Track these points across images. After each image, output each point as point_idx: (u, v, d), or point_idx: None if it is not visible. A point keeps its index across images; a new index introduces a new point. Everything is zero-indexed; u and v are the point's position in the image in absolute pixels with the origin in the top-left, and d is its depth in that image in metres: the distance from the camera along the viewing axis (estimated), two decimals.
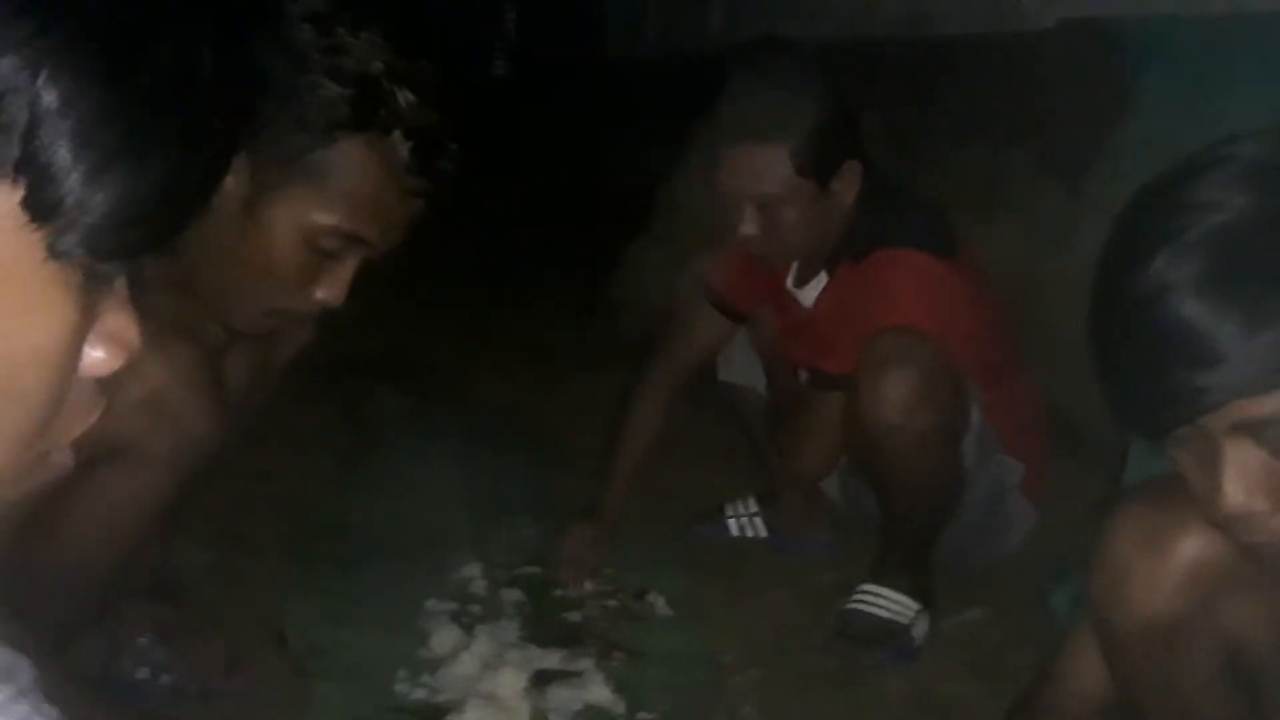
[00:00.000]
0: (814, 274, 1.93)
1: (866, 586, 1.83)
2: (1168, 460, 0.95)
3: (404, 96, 1.18)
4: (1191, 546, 0.95)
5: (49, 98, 0.42)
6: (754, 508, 2.17)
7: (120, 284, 0.50)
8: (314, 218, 1.19)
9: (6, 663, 0.46)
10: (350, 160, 1.17)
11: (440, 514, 2.14)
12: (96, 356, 0.49)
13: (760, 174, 1.78)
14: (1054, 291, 2.29)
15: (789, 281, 1.97)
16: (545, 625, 1.78)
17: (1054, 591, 1.18)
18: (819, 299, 1.94)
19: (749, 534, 2.16)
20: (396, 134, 1.17)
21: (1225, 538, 0.91)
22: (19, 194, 0.42)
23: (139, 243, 0.47)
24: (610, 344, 2.41)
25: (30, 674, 0.47)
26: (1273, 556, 0.88)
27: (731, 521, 2.17)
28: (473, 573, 1.91)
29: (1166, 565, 0.95)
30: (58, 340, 0.46)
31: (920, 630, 1.80)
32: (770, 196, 1.79)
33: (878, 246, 1.82)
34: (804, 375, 1.94)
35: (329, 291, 1.24)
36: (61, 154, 0.42)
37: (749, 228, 1.81)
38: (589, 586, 1.92)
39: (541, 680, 1.61)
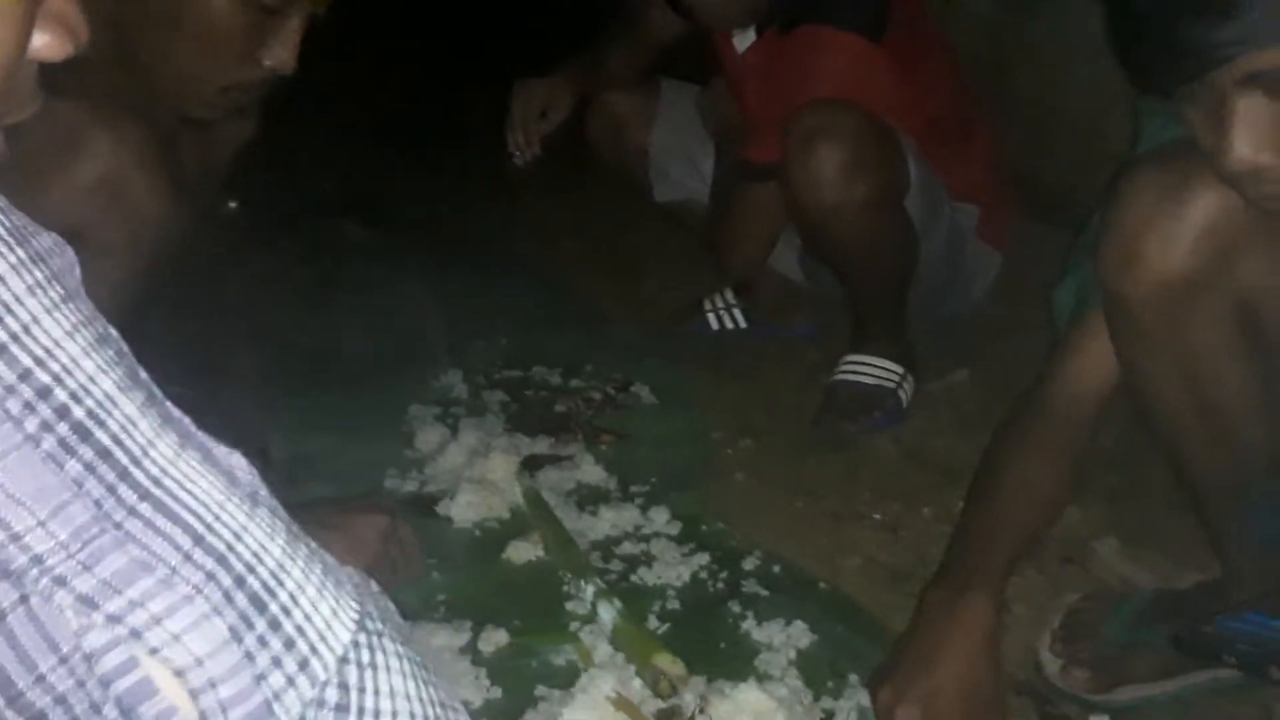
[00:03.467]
0: (746, 28, 1.90)
1: (849, 357, 1.81)
2: (1179, 131, 0.92)
3: None
4: (1207, 203, 0.92)
5: None
6: (731, 299, 2.14)
7: None
8: None
9: None
10: None
11: (415, 333, 2.10)
12: (44, 40, 0.49)
13: None
14: (1025, 57, 2.24)
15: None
16: (530, 418, 1.76)
17: (1057, 289, 1.15)
18: (746, 56, 1.91)
19: (729, 325, 2.14)
20: None
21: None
22: None
23: None
24: (570, 168, 2.33)
25: None
26: None
27: (710, 315, 2.14)
28: (453, 380, 1.89)
29: (1182, 222, 0.92)
30: (11, 15, 0.46)
31: (906, 393, 1.80)
32: None
33: (804, 19, 1.76)
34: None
35: (278, 55, 1.19)
36: None
37: None
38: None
39: (532, 464, 1.59)
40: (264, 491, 0.50)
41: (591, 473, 1.59)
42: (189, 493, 0.46)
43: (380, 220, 2.72)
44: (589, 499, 1.53)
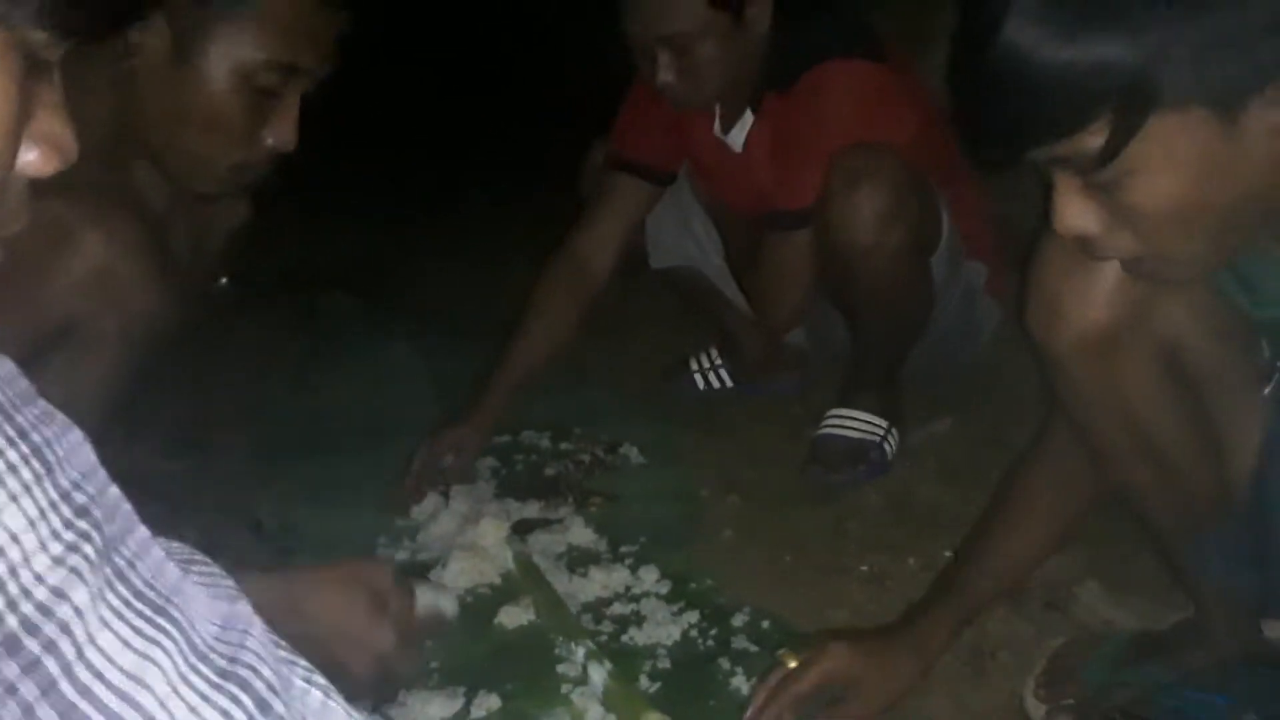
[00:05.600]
0: (738, 115, 1.88)
1: (835, 411, 1.84)
2: None
3: None
4: None
5: None
6: (717, 359, 2.18)
7: (57, 87, 0.50)
8: (246, 55, 1.17)
9: None
10: None
11: (404, 403, 2.13)
12: (30, 158, 0.49)
13: (668, 11, 1.70)
14: None
15: (715, 129, 1.92)
16: (520, 482, 1.79)
17: None
18: (750, 140, 1.89)
19: (715, 385, 2.17)
20: None
21: None
22: None
23: (86, 22, 0.47)
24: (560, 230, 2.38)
25: None
26: (1139, 273, 0.92)
27: (697, 376, 2.17)
28: None
29: (1097, 277, 0.97)
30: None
31: (891, 446, 1.82)
32: (683, 35, 1.70)
33: (804, 69, 1.77)
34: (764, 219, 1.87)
35: (280, 135, 1.23)
36: None
37: (666, 75, 1.74)
38: (433, 500, 1.69)
39: (522, 529, 1.61)
40: (249, 650, 0.48)
41: (581, 535, 1.61)
42: (124, 695, 0.44)
43: (366, 290, 2.76)
44: (579, 561, 1.55)
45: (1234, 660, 1.02)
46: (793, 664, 1.12)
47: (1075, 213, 0.85)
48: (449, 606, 1.15)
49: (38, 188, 0.53)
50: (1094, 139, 0.78)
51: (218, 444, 1.97)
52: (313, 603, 1.02)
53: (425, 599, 1.11)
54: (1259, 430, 0.97)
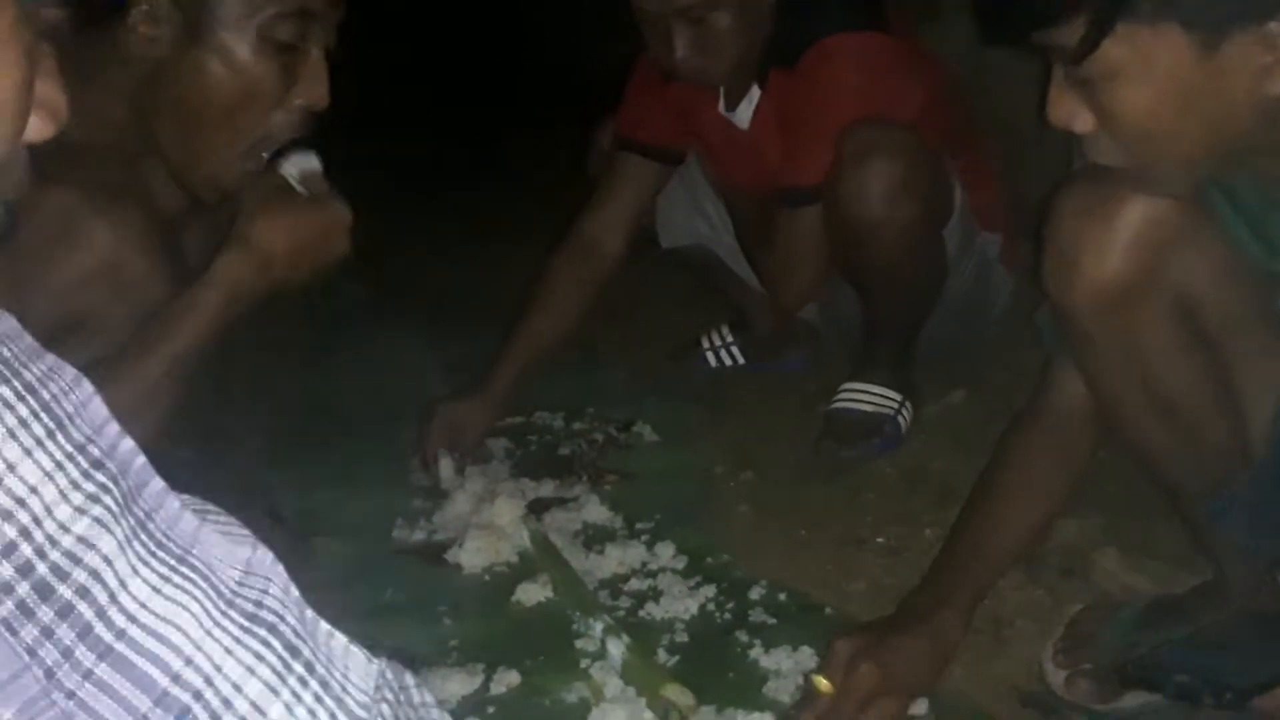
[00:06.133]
0: (744, 91, 1.86)
1: (848, 385, 1.83)
2: None
3: None
4: (1135, 211, 0.97)
5: None
6: (729, 337, 2.17)
7: (49, 56, 0.52)
8: (257, 12, 1.15)
9: None
10: None
11: (415, 387, 2.12)
12: (31, 123, 0.51)
13: None
14: (1005, 79, 2.28)
15: (720, 107, 1.90)
16: (535, 462, 1.79)
17: (1040, 310, 1.18)
18: (756, 117, 1.87)
19: (726, 363, 2.16)
20: None
21: (1166, 201, 0.96)
22: None
23: None
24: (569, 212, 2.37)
25: None
26: (1125, 181, 0.95)
27: (709, 354, 2.17)
28: None
29: (1113, 231, 0.97)
30: (16, 95, 0.48)
31: (905, 419, 1.82)
32: (700, 6, 1.68)
33: (808, 44, 1.76)
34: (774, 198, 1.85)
35: (311, 91, 1.20)
36: None
37: (682, 50, 1.71)
38: (447, 472, 1.70)
39: (538, 508, 1.62)
40: (272, 596, 0.49)
41: (597, 513, 1.61)
42: (160, 636, 0.45)
43: (377, 275, 2.76)
44: (595, 538, 1.55)
45: (1246, 613, 1.02)
46: (824, 685, 1.09)
47: (1063, 108, 0.89)
48: (308, 162, 1.27)
49: (50, 176, 0.54)
50: (1074, 33, 0.82)
51: (230, 430, 1.97)
52: (273, 257, 1.23)
53: (294, 177, 1.26)
54: (1277, 386, 0.97)
